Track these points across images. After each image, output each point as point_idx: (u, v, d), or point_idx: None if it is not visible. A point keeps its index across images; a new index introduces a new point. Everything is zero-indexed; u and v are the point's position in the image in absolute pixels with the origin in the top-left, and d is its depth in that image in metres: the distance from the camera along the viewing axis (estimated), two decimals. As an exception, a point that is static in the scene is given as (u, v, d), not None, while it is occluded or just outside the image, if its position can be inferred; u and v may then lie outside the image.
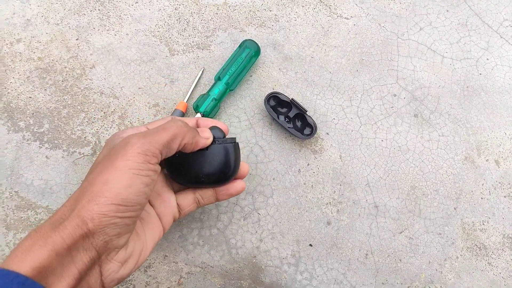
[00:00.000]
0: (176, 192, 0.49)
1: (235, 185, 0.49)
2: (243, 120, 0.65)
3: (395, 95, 0.68)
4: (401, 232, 0.62)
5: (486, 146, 0.66)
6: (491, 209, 0.64)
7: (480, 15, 0.73)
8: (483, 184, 0.65)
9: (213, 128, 0.47)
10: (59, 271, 0.33)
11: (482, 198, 0.64)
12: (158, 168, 0.39)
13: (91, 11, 0.67)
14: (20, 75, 0.63)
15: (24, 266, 0.31)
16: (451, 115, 0.68)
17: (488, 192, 0.65)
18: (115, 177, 0.35)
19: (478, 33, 0.72)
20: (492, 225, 0.63)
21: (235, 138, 0.49)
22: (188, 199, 0.48)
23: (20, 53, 0.64)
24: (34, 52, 0.64)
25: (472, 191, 0.64)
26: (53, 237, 0.33)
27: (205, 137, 0.44)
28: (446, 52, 0.71)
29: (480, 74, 0.70)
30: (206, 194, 0.48)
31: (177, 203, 0.48)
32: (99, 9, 0.67)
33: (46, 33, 0.65)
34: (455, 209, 0.63)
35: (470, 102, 0.68)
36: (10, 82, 0.62)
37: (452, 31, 0.72)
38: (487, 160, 0.66)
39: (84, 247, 0.34)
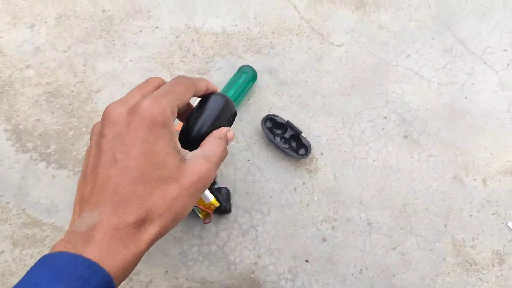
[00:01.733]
0: None
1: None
2: (241, 141, 0.68)
3: (385, 118, 0.71)
4: (394, 249, 0.64)
5: (473, 166, 0.70)
6: (480, 226, 0.66)
7: (464, 43, 0.77)
8: (471, 202, 0.68)
9: None
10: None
11: (471, 216, 0.67)
12: None
13: (97, 39, 0.71)
14: (29, 99, 0.66)
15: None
16: (439, 137, 0.71)
17: (477, 210, 0.67)
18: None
19: (463, 59, 0.76)
20: (481, 242, 0.66)
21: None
22: None
23: (29, 78, 0.67)
24: (43, 77, 0.68)
25: (461, 209, 0.67)
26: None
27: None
28: (433, 77, 0.75)
29: (466, 97, 0.74)
30: None
31: None
32: (105, 37, 0.71)
33: (54, 60, 0.69)
34: (445, 226, 0.66)
35: (457, 124, 0.72)
36: (19, 106, 0.66)
37: (438, 58, 0.76)
38: (474, 179, 0.69)
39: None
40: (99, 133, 0.38)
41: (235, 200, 0.64)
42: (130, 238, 0.33)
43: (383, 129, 0.71)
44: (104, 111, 0.38)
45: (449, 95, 0.74)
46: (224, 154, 0.42)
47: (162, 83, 0.43)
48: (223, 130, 0.43)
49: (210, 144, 0.41)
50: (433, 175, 0.69)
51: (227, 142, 0.43)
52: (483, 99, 0.74)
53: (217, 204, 0.59)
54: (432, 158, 0.70)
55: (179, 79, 0.41)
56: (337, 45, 0.76)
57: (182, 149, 0.38)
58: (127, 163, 0.35)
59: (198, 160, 0.38)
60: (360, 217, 0.65)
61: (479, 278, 0.64)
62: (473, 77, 0.75)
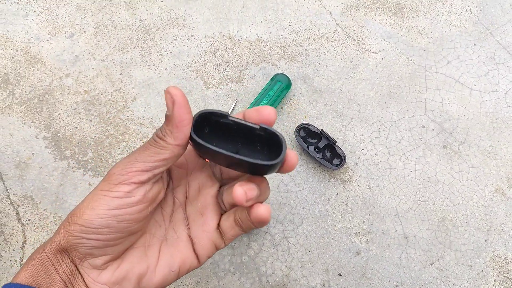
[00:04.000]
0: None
1: (256, 210, 0.37)
2: (274, 150, 0.67)
3: (423, 127, 0.69)
4: (431, 264, 0.62)
5: (517, 178, 0.66)
6: (524, 242, 0.63)
7: (507, 49, 0.74)
8: (515, 217, 0.64)
9: None
10: (48, 280, 0.35)
11: (514, 231, 0.64)
12: (136, 189, 0.35)
13: (134, 48, 0.72)
14: (67, 107, 0.68)
15: (22, 275, 0.35)
16: (481, 147, 0.68)
17: (520, 225, 0.64)
18: (87, 198, 0.35)
19: (506, 66, 0.73)
20: (525, 259, 0.63)
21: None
22: (229, 221, 0.39)
23: (68, 86, 0.69)
24: (81, 86, 0.69)
25: (503, 223, 0.64)
26: (41, 250, 0.36)
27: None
28: (474, 85, 0.72)
29: (509, 106, 0.70)
30: (243, 215, 0.38)
31: (219, 227, 0.40)
32: (141, 46, 0.72)
33: (93, 68, 0.71)
34: (486, 241, 0.63)
35: (500, 134, 0.69)
36: (58, 114, 0.67)
37: (480, 64, 0.73)
38: (518, 192, 0.66)
39: (64, 261, 0.36)
40: None
41: (267, 210, 0.64)
42: None
43: (421, 138, 0.69)
44: None
45: (492, 103, 0.71)
46: None
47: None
48: None
49: None
50: (473, 187, 0.66)
51: None
52: (529, 108, 0.70)
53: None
54: (473, 170, 0.67)
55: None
56: (373, 52, 0.74)
57: None
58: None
59: None
60: (396, 230, 0.64)
61: (522, 297, 0.61)
62: (518, 85, 0.72)
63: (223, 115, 0.34)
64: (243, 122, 0.34)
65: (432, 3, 0.78)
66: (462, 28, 0.76)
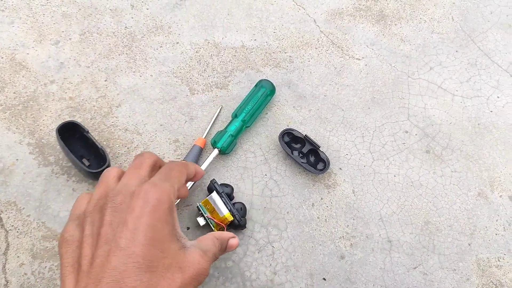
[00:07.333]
0: None
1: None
2: (259, 155, 0.67)
3: (406, 132, 0.70)
4: (415, 268, 0.62)
5: (499, 182, 0.67)
6: (506, 245, 0.64)
7: (489, 55, 0.75)
8: (497, 220, 0.65)
9: None
10: None
11: (496, 234, 0.64)
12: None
13: (119, 55, 0.73)
14: (52, 113, 0.68)
15: None
16: (463, 151, 0.69)
17: (503, 228, 0.65)
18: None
19: (488, 72, 0.74)
20: (508, 262, 0.63)
21: None
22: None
23: (53, 93, 0.69)
24: (66, 92, 0.69)
25: (486, 227, 0.65)
26: None
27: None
28: (457, 91, 0.73)
29: (491, 111, 0.71)
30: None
31: None
32: (126, 53, 0.73)
33: (78, 75, 0.71)
34: (469, 245, 0.64)
35: (482, 138, 0.70)
36: (43, 120, 0.67)
37: (462, 70, 0.74)
38: (500, 196, 0.66)
39: None
40: (95, 222, 0.35)
41: (251, 215, 0.64)
42: None
43: (404, 143, 0.69)
44: (104, 197, 0.36)
45: (474, 108, 0.72)
46: (218, 255, 0.42)
47: (156, 159, 0.42)
48: (225, 234, 0.45)
49: (208, 240, 0.41)
50: (456, 192, 0.67)
51: (225, 247, 0.44)
52: (510, 113, 0.71)
53: (231, 218, 0.59)
54: (456, 174, 0.68)
55: (172, 164, 0.41)
56: (357, 59, 0.75)
57: (182, 236, 0.37)
58: (133, 249, 0.32)
59: (197, 251, 0.37)
60: (380, 234, 0.64)
61: (506, 300, 0.62)
62: (499, 90, 0.73)
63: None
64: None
65: (414, 11, 0.80)
66: (444, 35, 0.78)
